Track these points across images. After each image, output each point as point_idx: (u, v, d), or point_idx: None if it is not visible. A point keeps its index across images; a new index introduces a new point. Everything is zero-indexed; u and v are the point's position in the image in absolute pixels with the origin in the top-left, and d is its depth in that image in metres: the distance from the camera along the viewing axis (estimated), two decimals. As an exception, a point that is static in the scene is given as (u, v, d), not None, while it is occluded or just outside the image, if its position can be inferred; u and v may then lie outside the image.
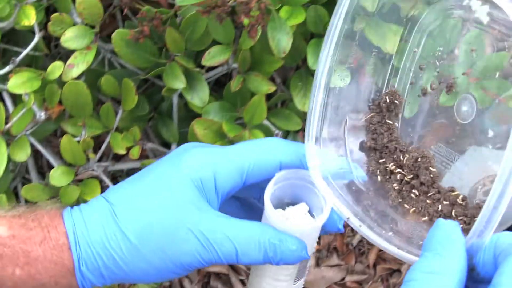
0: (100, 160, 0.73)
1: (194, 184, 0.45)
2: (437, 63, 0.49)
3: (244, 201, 0.53)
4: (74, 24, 0.65)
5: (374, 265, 0.98)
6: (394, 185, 0.48)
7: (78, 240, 0.44)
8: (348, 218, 0.46)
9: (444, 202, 0.45)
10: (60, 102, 0.65)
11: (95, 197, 0.48)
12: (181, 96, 0.71)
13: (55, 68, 0.63)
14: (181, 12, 0.65)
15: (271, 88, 0.67)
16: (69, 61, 0.63)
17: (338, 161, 0.49)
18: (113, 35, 0.63)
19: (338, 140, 0.50)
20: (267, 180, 0.47)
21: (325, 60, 0.48)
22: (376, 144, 0.50)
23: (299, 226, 0.46)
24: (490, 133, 0.45)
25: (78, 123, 0.66)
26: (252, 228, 0.45)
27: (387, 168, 0.49)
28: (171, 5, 0.65)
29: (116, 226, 0.44)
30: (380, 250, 0.97)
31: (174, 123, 0.73)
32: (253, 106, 0.67)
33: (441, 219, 0.38)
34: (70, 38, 0.63)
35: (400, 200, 0.47)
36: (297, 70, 0.73)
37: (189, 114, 0.72)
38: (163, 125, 0.73)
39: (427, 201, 0.46)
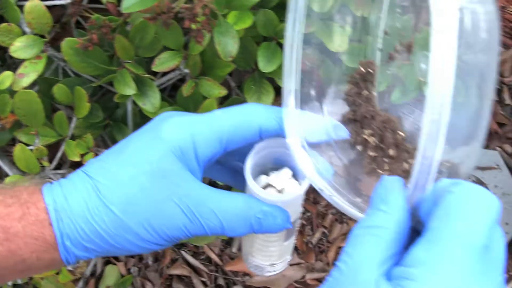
0: (59, 167, 0.74)
1: (175, 154, 0.45)
2: (398, 25, 0.48)
3: (227, 164, 0.53)
4: (23, 33, 0.65)
5: (334, 263, 0.99)
6: (370, 152, 0.47)
7: (60, 215, 0.44)
8: (322, 190, 0.45)
9: (410, 161, 0.45)
10: (13, 112, 0.66)
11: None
12: (135, 102, 0.72)
13: (5, 78, 0.63)
14: (130, 20, 0.66)
15: (222, 92, 0.68)
16: (19, 71, 0.63)
17: (316, 131, 0.49)
18: (62, 44, 0.63)
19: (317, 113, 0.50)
20: (248, 146, 0.47)
21: (292, 26, 0.46)
22: (356, 116, 0.49)
23: (281, 197, 0.47)
24: None
25: (31, 131, 0.67)
26: (238, 202, 0.45)
27: (365, 137, 0.48)
28: (121, 13, 0.66)
29: (99, 199, 0.44)
30: (340, 247, 0.98)
31: (129, 129, 0.74)
32: (205, 110, 0.67)
33: (384, 176, 0.38)
34: (19, 48, 0.63)
35: (375, 166, 0.47)
36: (251, 74, 0.74)
37: (145, 120, 0.72)
38: (118, 131, 0.74)
39: (397, 163, 0.45)
